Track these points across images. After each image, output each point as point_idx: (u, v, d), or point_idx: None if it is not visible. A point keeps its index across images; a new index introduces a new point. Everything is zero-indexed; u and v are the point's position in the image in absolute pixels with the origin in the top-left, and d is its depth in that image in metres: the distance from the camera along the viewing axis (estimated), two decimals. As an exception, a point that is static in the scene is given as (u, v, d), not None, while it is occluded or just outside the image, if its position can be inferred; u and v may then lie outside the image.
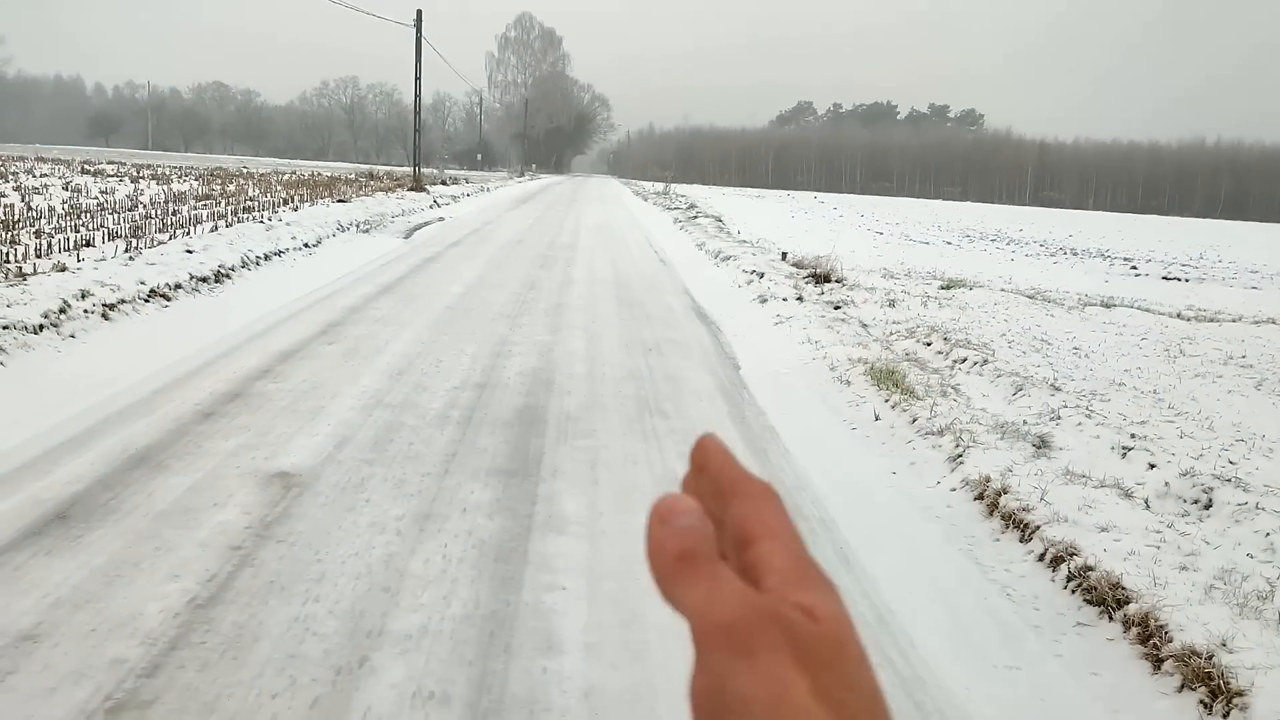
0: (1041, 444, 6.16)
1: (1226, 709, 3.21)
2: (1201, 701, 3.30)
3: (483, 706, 3.06)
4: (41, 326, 7.33)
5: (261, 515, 4.46)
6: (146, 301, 8.87)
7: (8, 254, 10.60)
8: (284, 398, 6.49)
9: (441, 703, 3.06)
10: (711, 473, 0.41)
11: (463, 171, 72.18)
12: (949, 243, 30.25)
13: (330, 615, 3.58)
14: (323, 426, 5.90)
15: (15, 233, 12.76)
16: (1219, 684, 3.30)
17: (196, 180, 29.96)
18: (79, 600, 3.53)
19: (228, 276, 11.03)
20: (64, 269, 9.46)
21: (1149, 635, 3.72)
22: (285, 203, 21.53)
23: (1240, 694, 3.22)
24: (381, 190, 29.77)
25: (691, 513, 0.38)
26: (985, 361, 9.11)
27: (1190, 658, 3.48)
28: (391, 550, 4.20)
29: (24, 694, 2.92)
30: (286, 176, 36.28)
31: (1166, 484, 5.45)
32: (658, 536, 0.38)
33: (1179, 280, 22.23)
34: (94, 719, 2.82)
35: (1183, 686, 3.41)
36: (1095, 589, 4.10)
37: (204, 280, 10.41)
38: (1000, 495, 5.22)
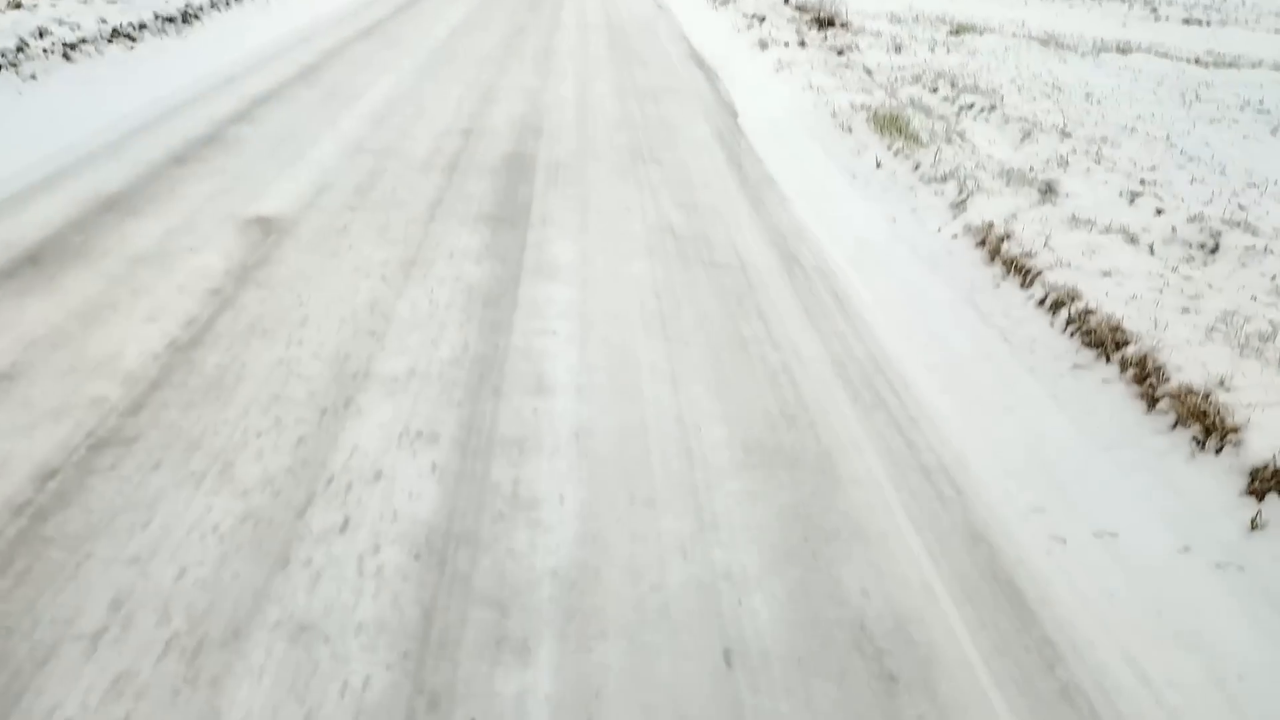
0: (1048, 190, 5.96)
1: (1220, 444, 3.20)
2: (1194, 438, 3.28)
3: (472, 445, 3.03)
4: (-1, 67, 6.91)
5: (241, 260, 4.32)
6: (110, 42, 8.35)
7: (-42, -8, 9.91)
8: (261, 142, 6.20)
9: (430, 441, 3.03)
10: None
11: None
12: (961, -13, 28.61)
13: (314, 359, 3.51)
14: (303, 172, 5.66)
15: (-35, -30, 11.89)
16: (1214, 421, 3.27)
17: (158, -84, 27.82)
18: (56, 341, 3.44)
19: (196, 17, 10.38)
20: (19, 5, 8.86)
21: (1146, 376, 3.68)
22: (254, -60, 20.05)
23: (1235, 430, 3.20)
24: (358, -72, 27.74)
25: None
26: (993, 108, 8.74)
27: (1186, 396, 3.44)
28: (376, 295, 4.09)
29: (3, 429, 2.87)
30: (255, -87, 33.71)
31: (1173, 229, 5.29)
32: None
33: (1200, 24, 21.18)
34: (76, 454, 2.79)
35: (1177, 424, 3.39)
36: (1094, 332, 4.03)
37: (170, 20, 9.80)
38: (1003, 241, 5.07)
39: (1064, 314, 4.26)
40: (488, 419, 3.19)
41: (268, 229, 4.71)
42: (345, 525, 2.59)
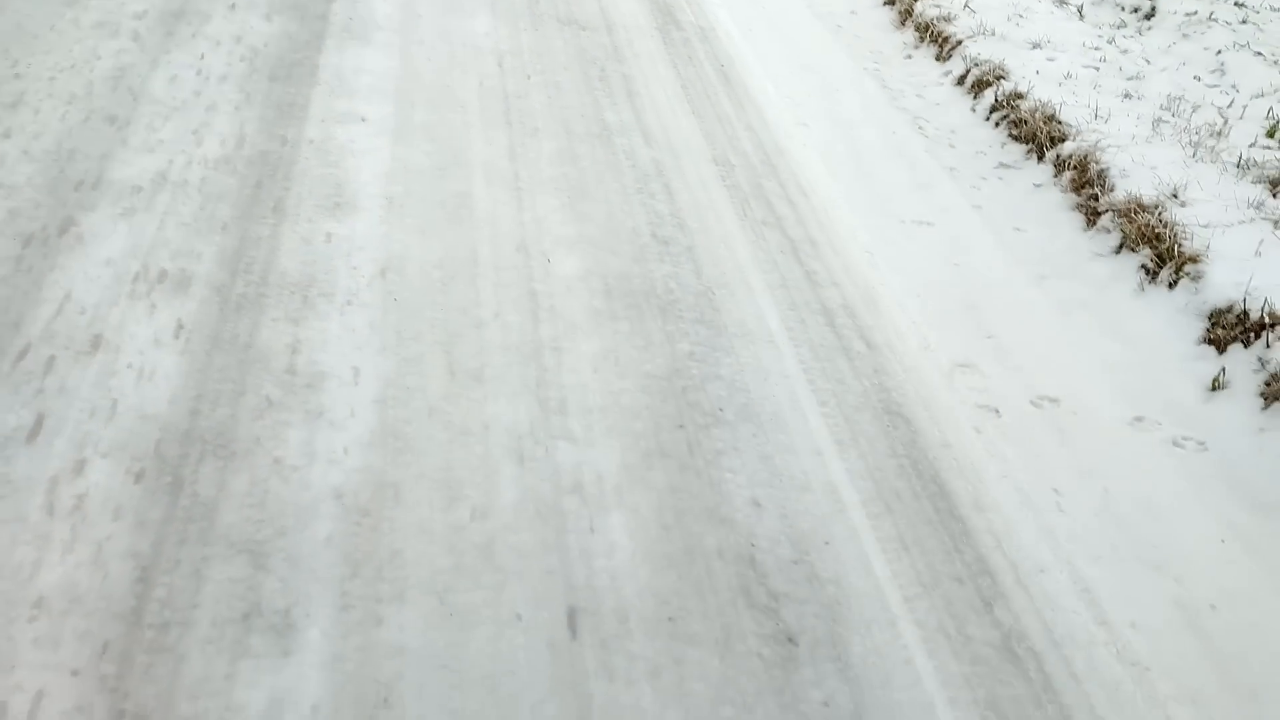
0: (966, -66, 5.10)
1: (1175, 276, 2.66)
2: (1144, 266, 2.73)
3: (236, 292, 2.24)
4: None
5: (-64, 9, 3.21)
6: None
7: None
8: None
9: (176, 287, 2.22)
10: None
11: None
12: None
13: (25, 157, 2.58)
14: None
15: None
16: (1168, 246, 2.72)
17: None
18: None
19: None
20: None
21: (1086, 181, 3.08)
22: None
23: (1193, 260, 2.66)
24: None
25: None
26: None
27: (1135, 212, 2.87)
28: (125, 62, 3.10)
29: None
30: None
31: (1106, -12, 4.58)
32: None
33: None
34: None
35: (1122, 247, 2.83)
36: (1025, 122, 3.38)
37: None
38: (915, 1, 4.28)
39: (988, 97, 3.58)
40: (263, 250, 2.39)
41: (-19, -37, 3.55)
42: (35, 431, 1.83)
